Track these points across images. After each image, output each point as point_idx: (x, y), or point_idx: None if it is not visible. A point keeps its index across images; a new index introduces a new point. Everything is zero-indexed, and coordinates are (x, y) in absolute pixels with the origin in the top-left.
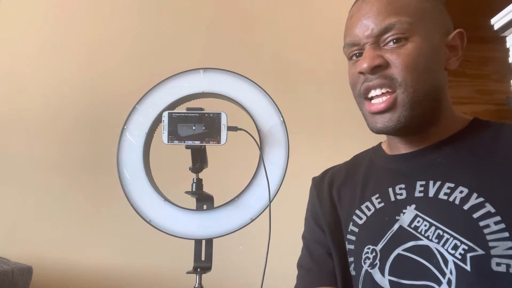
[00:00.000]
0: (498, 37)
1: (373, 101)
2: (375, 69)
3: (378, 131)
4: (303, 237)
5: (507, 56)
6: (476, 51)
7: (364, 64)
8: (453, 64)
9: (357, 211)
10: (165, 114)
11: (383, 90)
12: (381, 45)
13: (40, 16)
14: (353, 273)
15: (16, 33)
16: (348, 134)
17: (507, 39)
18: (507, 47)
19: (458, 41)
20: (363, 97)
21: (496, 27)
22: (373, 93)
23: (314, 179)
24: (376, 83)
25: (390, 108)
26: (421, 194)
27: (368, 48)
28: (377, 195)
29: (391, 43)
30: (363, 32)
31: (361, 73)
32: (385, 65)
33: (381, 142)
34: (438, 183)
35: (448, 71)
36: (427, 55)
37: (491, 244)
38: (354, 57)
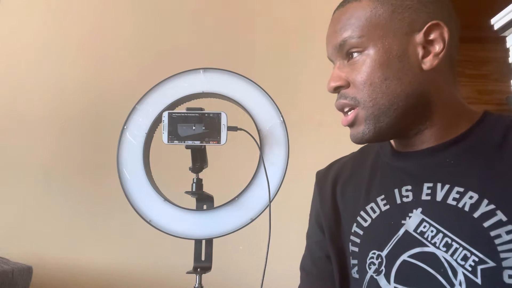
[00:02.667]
0: (498, 37)
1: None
2: (337, 89)
3: (354, 142)
4: (307, 235)
5: (507, 56)
6: (476, 51)
7: (329, 84)
8: (430, 62)
9: (362, 213)
10: (165, 114)
11: (346, 109)
12: (345, 60)
13: (40, 16)
14: (355, 276)
15: (15, 32)
16: (348, 134)
17: (507, 39)
18: (507, 47)
19: (435, 34)
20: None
21: (496, 27)
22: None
23: (318, 173)
24: (339, 104)
25: (353, 123)
26: (428, 198)
27: (335, 67)
28: (383, 196)
29: (349, 59)
30: (329, 50)
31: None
32: (346, 85)
33: None
34: (447, 186)
35: (433, 69)
36: (385, 64)
37: (502, 255)
38: None
